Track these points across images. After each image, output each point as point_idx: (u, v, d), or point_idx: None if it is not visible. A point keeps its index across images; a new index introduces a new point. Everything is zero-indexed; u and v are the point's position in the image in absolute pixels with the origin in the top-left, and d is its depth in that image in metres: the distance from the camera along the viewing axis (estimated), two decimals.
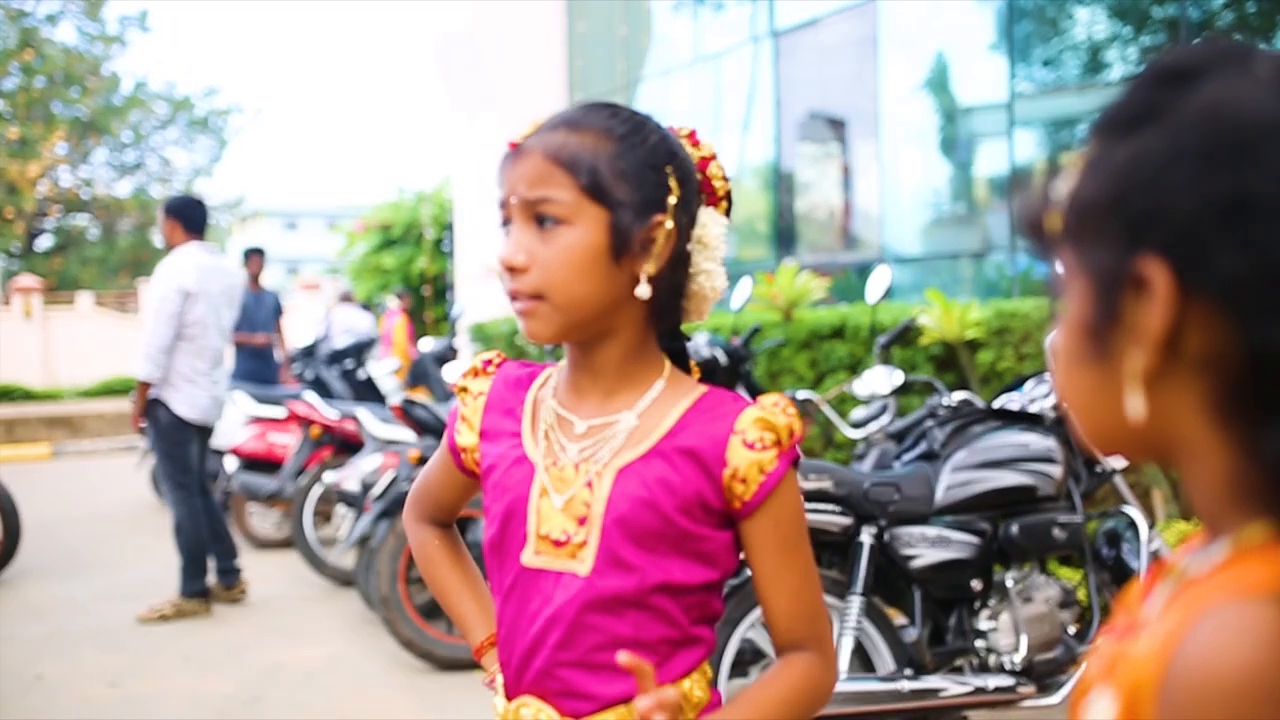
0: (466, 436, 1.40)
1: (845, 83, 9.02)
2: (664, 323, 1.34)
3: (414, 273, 17.06)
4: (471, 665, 4.92)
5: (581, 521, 1.27)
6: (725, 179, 1.35)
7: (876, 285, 4.82)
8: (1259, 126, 0.68)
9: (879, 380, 4.43)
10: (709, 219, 1.33)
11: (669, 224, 1.26)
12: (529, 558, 1.29)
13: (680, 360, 1.37)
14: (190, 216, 5.92)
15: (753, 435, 1.26)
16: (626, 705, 1.27)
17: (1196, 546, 0.80)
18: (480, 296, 11.43)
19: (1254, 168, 0.68)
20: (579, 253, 1.23)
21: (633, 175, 1.24)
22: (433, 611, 5.02)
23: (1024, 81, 7.73)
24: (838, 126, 9.61)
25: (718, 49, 10.47)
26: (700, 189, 1.32)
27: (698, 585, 1.28)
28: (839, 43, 9.13)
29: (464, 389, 1.43)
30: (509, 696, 1.33)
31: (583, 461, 1.29)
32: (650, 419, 1.29)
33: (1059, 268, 0.81)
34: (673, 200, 1.26)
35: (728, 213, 1.37)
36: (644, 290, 1.26)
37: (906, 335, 5.29)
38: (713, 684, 1.35)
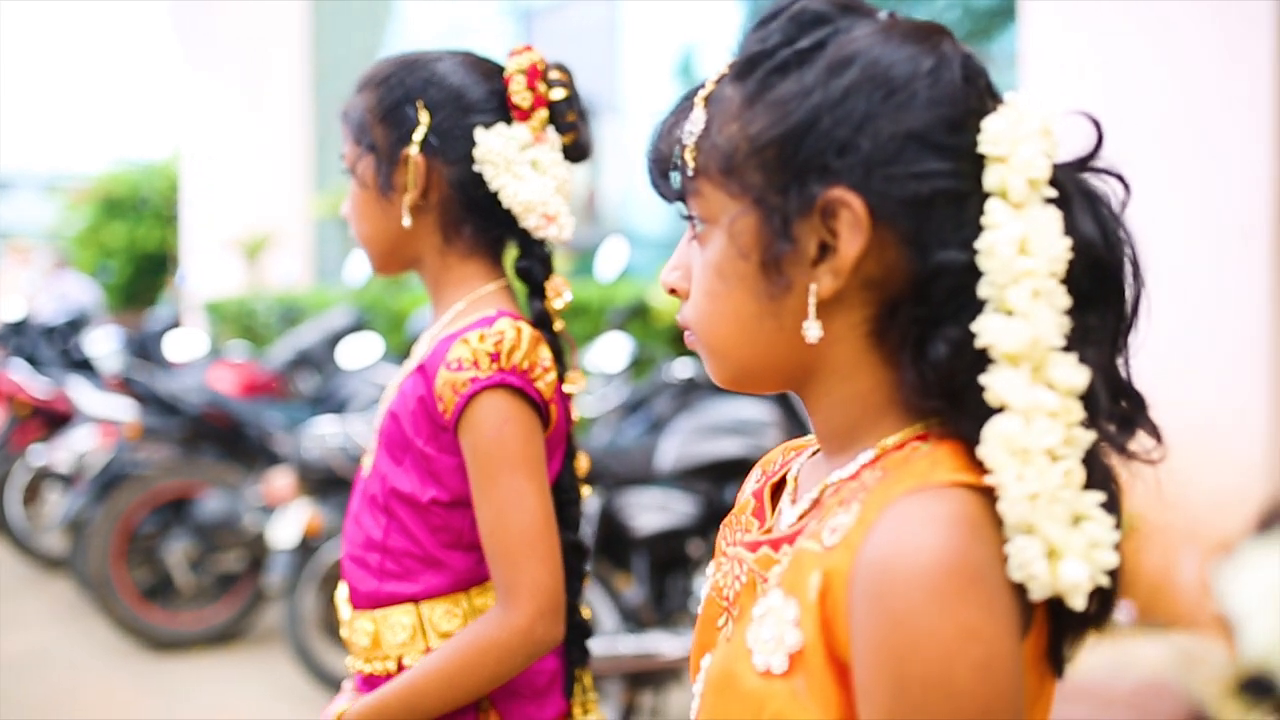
0: None
1: (592, 66, 9.14)
2: (471, 243, 1.39)
3: (144, 245, 16.06)
4: (190, 645, 4.75)
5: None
6: (534, 90, 1.36)
7: (610, 260, 4.90)
8: (909, 73, 0.76)
9: (611, 355, 4.54)
10: (491, 135, 1.35)
11: (415, 155, 1.35)
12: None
13: (533, 279, 1.41)
14: None
15: (452, 355, 1.30)
16: (376, 611, 1.37)
17: (823, 463, 0.86)
18: (215, 271, 10.90)
19: (921, 106, 0.75)
20: (356, 197, 1.41)
21: (388, 117, 1.36)
22: (154, 591, 4.80)
23: None
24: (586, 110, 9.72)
25: (466, 25, 10.39)
26: (495, 108, 1.37)
27: (429, 501, 1.33)
28: (586, 26, 9.24)
29: None
30: None
31: None
32: (435, 339, 1.38)
33: (693, 207, 0.83)
34: (419, 133, 1.35)
35: (563, 122, 1.38)
36: (406, 220, 1.37)
37: (640, 314, 5.42)
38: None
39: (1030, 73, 4.31)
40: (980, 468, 0.73)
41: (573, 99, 1.40)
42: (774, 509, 0.91)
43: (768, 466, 0.96)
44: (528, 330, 1.33)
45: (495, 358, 1.28)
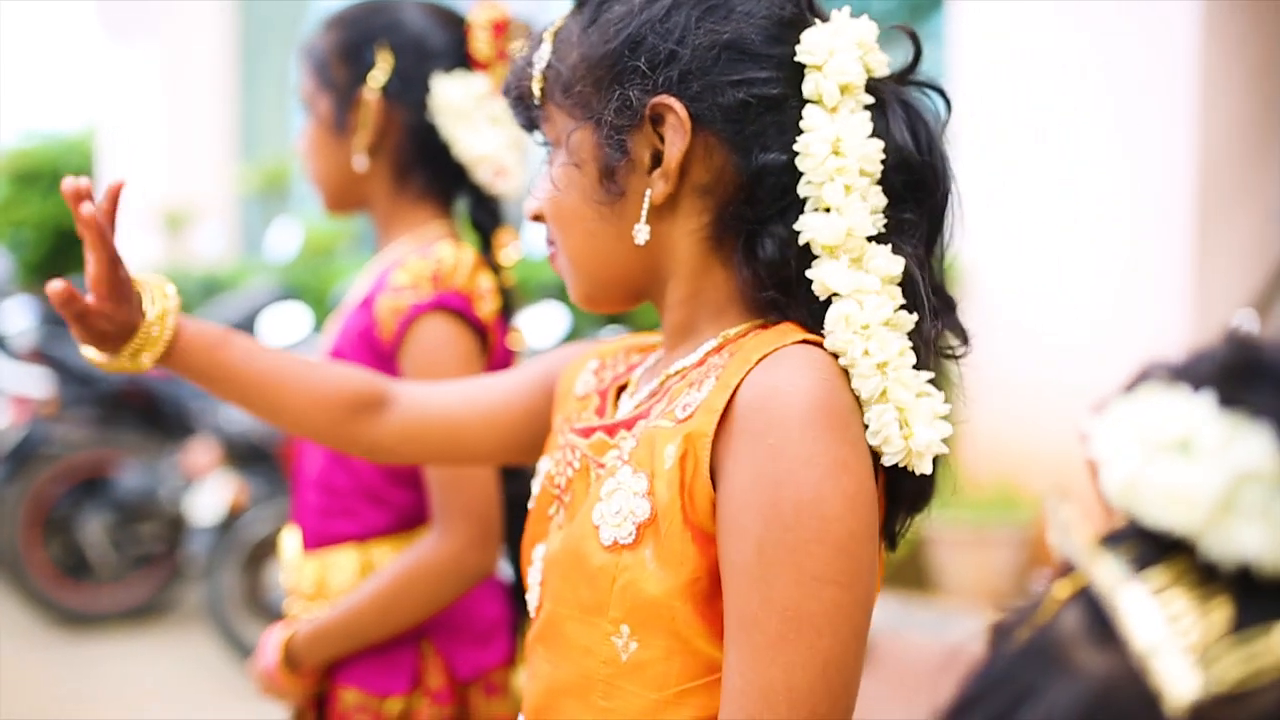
0: None
1: None
2: (422, 189, 1.39)
3: (61, 219, 15.64)
4: (108, 622, 4.65)
5: None
6: (497, 43, 1.38)
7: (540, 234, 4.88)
8: None
9: (542, 328, 4.53)
10: (449, 83, 1.35)
11: (370, 98, 1.35)
12: None
13: (482, 230, 1.43)
14: None
15: (393, 280, 1.30)
16: (322, 554, 1.37)
17: (664, 360, 0.90)
18: (135, 245, 10.64)
19: (738, 19, 0.81)
20: (311, 136, 1.41)
21: (349, 56, 1.37)
22: (70, 568, 4.68)
23: None
24: None
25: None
26: (457, 57, 1.38)
27: None
28: (519, 14, 9.18)
29: None
30: None
31: None
32: (376, 274, 1.38)
33: (545, 132, 0.89)
34: (379, 74, 1.35)
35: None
36: (359, 162, 1.36)
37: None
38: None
39: (957, 53, 4.36)
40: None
41: None
42: (616, 407, 0.95)
43: (606, 358, 0.99)
44: (469, 254, 1.33)
45: (435, 279, 1.29)
